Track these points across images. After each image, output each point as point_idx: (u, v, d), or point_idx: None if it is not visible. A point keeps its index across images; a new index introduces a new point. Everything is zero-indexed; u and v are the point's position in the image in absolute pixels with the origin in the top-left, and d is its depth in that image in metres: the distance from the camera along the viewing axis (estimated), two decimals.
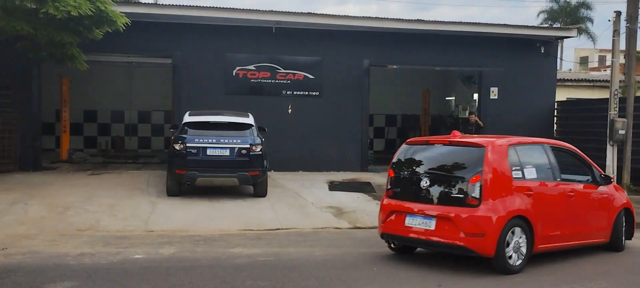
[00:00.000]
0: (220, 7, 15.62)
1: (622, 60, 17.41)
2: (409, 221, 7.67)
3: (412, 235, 7.65)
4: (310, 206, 12.07)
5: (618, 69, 15.49)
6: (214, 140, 12.02)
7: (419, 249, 8.66)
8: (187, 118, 12.65)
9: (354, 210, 11.86)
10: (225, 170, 12.00)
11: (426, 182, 7.67)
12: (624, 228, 9.12)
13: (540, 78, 17.98)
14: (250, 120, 12.79)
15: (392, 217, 7.90)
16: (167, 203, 11.67)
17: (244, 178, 12.06)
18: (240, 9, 15.72)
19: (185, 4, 15.52)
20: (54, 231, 9.36)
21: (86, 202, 11.30)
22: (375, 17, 16.58)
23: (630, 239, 9.35)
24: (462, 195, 7.38)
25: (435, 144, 8.23)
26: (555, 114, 18.57)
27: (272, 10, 15.76)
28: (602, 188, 8.90)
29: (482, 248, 7.19)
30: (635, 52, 15.85)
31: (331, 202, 12.46)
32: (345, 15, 16.42)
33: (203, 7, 15.55)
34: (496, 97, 17.70)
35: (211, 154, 11.96)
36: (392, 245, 8.28)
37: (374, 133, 22.87)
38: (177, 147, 11.94)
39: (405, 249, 8.37)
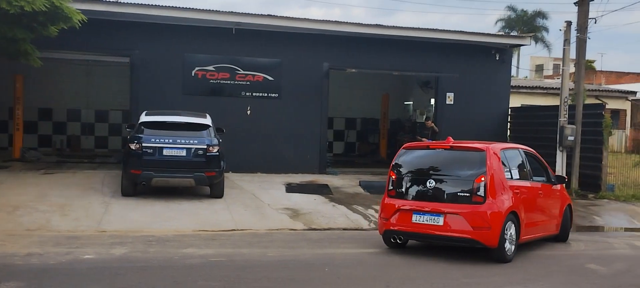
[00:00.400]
0: (179, 7, 15.51)
1: (572, 68, 17.98)
2: (416, 218, 8.42)
3: (419, 230, 8.44)
4: (267, 207, 12.12)
5: (568, 77, 15.99)
6: (171, 141, 11.95)
7: (373, 250, 8.88)
8: (144, 118, 12.55)
9: (310, 211, 11.96)
10: (182, 170, 11.95)
11: (432, 183, 8.49)
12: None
13: (495, 84, 18.42)
14: (207, 120, 12.76)
15: (398, 215, 8.59)
16: (122, 203, 11.55)
17: (201, 179, 12.03)
18: (200, 9, 15.64)
19: (144, 3, 15.36)
20: (2, 231, 9.16)
21: (37, 201, 11.10)
22: (335, 21, 16.73)
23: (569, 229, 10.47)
24: (468, 194, 8.26)
25: (436, 149, 9.17)
26: (509, 120, 19.05)
27: (232, 12, 15.75)
28: (555, 187, 10.08)
29: (488, 240, 8.12)
30: (584, 61, 16.38)
31: (288, 204, 12.53)
32: (305, 18, 16.54)
33: (162, 6, 15.40)
34: (452, 103, 18.05)
35: (167, 154, 11.89)
36: (398, 241, 8.89)
37: (333, 136, 23.02)
38: (132, 146, 11.82)
39: (401, 244, 9.06)
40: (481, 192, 8.18)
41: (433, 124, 17.39)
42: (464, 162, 8.70)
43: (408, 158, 9.04)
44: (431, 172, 8.66)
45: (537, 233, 9.34)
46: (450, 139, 9.38)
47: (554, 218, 9.86)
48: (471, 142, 9.72)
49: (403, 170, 8.88)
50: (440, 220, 8.26)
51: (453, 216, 8.21)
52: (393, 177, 8.86)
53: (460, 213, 8.18)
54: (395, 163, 8.98)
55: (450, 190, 8.46)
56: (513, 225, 8.40)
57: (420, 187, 8.60)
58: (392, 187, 8.84)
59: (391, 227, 8.67)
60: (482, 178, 8.23)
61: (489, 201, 8.15)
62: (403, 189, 8.75)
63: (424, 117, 19.32)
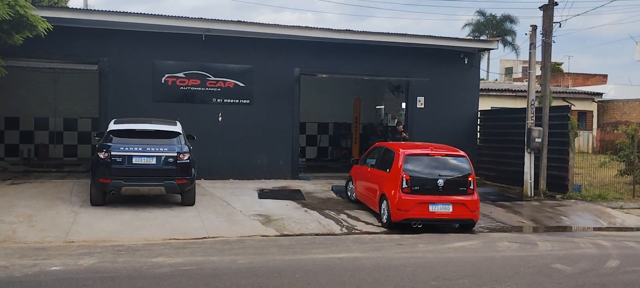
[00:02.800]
0: (148, 14, 15.42)
1: (539, 71, 18.31)
2: (433, 208, 11.14)
3: (435, 217, 11.19)
4: (238, 214, 12.08)
5: (535, 80, 16.28)
6: (140, 149, 11.85)
7: (345, 255, 8.91)
8: (112, 126, 12.43)
9: (282, 217, 11.97)
10: (152, 179, 11.85)
11: (442, 182, 11.19)
12: None
13: (464, 88, 18.68)
14: (177, 128, 12.68)
15: (417, 206, 11.09)
16: (90, 213, 11.41)
17: (171, 187, 11.95)
18: (169, 15, 15.55)
19: (112, 10, 15.22)
20: None
21: (3, 212, 10.90)
22: (305, 27, 16.78)
23: None
24: (465, 188, 11.39)
25: (435, 156, 11.68)
26: (479, 122, 19.30)
27: (201, 18, 15.69)
28: None
29: (476, 218, 11.52)
30: (550, 64, 16.69)
31: (260, 210, 12.51)
32: (275, 24, 16.53)
33: (131, 13, 15.30)
34: (423, 106, 18.25)
35: (137, 163, 11.79)
36: (418, 226, 11.20)
37: (306, 141, 23.08)
38: (101, 155, 11.70)
39: (406, 227, 11.31)
40: (472, 187, 11.41)
41: (403, 130, 17.60)
42: (457, 165, 11.60)
43: (414, 162, 11.47)
44: (441, 174, 11.29)
45: None
46: (432, 146, 12.17)
47: None
48: (453, 149, 12.22)
49: (413, 173, 11.28)
50: (449, 208, 11.17)
51: (458, 204, 11.20)
52: (406, 178, 11.18)
53: (463, 202, 11.23)
54: (406, 168, 11.31)
55: (453, 186, 11.28)
56: None
57: (432, 185, 11.21)
58: (406, 186, 11.16)
59: (410, 216, 11.09)
60: (471, 177, 11.45)
61: (475, 192, 11.45)
62: (417, 187, 11.19)
63: (396, 121, 19.48)
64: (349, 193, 14.23)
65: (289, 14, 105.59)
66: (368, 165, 13.19)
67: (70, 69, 17.72)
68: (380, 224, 11.78)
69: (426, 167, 11.48)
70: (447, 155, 11.74)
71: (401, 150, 11.75)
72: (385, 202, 11.61)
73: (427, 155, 11.70)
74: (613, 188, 17.41)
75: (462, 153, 11.87)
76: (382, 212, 11.78)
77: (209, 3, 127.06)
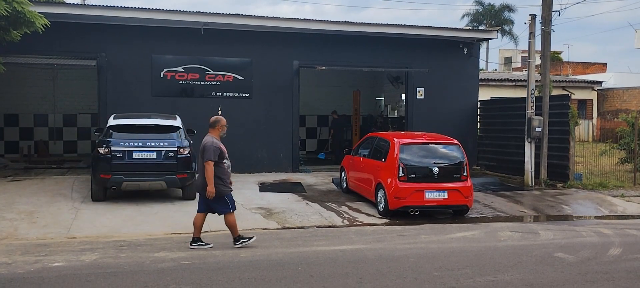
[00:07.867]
0: (146, 8, 15.37)
1: (539, 60, 18.26)
2: (428, 195, 11.31)
3: (431, 203, 11.37)
4: (240, 207, 12.01)
5: (534, 70, 16.24)
6: (140, 143, 11.83)
7: (346, 247, 8.90)
8: (112, 121, 12.41)
9: (283, 210, 11.96)
10: (152, 173, 11.85)
11: (436, 170, 11.42)
12: None
13: (464, 78, 18.64)
14: (177, 122, 12.67)
15: (413, 194, 11.26)
16: (92, 208, 11.40)
17: (172, 181, 11.95)
18: (166, 9, 15.52)
19: (109, 5, 15.16)
20: None
21: (4, 209, 10.89)
22: (304, 19, 16.74)
23: None
24: (458, 175, 11.58)
25: (429, 144, 11.99)
26: (478, 113, 19.27)
27: (199, 11, 15.65)
28: None
29: (470, 203, 11.76)
30: (550, 53, 16.63)
31: (261, 203, 12.51)
32: (273, 17, 16.49)
33: (128, 7, 15.23)
34: (422, 97, 18.22)
35: (137, 157, 11.78)
36: (415, 213, 11.44)
37: (306, 134, 23.05)
38: (101, 150, 11.68)
39: (408, 218, 11.46)
40: (465, 173, 11.64)
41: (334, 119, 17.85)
42: (451, 152, 11.79)
43: (410, 151, 11.61)
44: (435, 162, 11.53)
45: None
46: (425, 135, 12.51)
47: None
48: (446, 137, 12.45)
49: (409, 162, 11.44)
50: (445, 195, 11.35)
51: (453, 191, 11.38)
52: (403, 166, 11.33)
53: (457, 188, 11.42)
54: (402, 157, 11.45)
55: (447, 173, 11.50)
56: None
57: (427, 173, 11.40)
58: (402, 174, 11.31)
59: (407, 204, 11.29)
60: (465, 164, 11.66)
61: (468, 179, 11.67)
62: (413, 175, 11.35)
63: (332, 112, 19.91)
64: (342, 184, 14.30)
65: (286, 6, 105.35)
66: (361, 155, 13.27)
67: (68, 65, 17.68)
68: (381, 215, 11.78)
69: (421, 155, 11.69)
70: (440, 143, 12.00)
71: (396, 139, 11.87)
72: (382, 190, 11.72)
73: (422, 144, 11.96)
74: (614, 177, 17.40)
75: (454, 141, 12.03)
76: (378, 200, 11.91)
77: None
